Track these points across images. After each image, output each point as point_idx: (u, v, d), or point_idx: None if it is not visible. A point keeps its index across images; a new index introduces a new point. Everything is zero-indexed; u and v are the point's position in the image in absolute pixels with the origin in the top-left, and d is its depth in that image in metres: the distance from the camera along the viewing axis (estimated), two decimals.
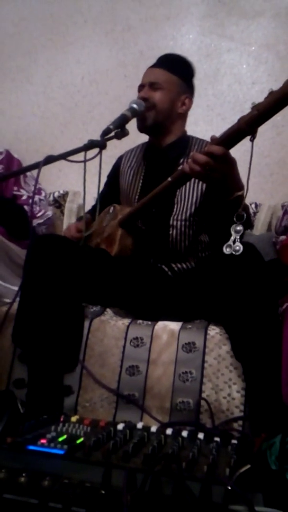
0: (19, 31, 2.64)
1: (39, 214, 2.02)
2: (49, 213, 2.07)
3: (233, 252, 1.10)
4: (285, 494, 0.80)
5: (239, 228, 1.11)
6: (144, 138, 1.72)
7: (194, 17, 2.42)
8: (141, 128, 1.61)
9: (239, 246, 1.10)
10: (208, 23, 2.40)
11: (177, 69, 1.64)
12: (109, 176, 1.80)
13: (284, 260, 1.65)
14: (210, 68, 2.40)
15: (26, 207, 1.93)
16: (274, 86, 1.07)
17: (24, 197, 1.98)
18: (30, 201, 1.95)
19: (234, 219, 1.13)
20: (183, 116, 1.68)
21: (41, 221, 2.01)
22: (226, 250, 1.11)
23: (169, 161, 1.62)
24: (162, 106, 1.59)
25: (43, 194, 2.11)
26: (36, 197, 2.03)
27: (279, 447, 0.90)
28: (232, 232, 1.11)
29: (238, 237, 1.11)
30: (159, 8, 2.45)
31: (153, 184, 1.45)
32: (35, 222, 1.98)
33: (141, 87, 1.62)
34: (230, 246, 1.11)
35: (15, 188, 1.99)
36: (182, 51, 2.35)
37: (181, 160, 1.61)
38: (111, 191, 1.76)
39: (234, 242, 1.10)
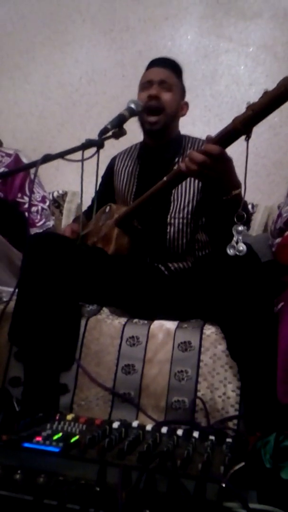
0: (18, 29, 2.64)
1: (39, 224, 1.96)
2: (50, 223, 2.01)
3: (237, 253, 1.10)
4: (279, 491, 0.81)
5: (241, 228, 1.11)
6: (141, 138, 1.72)
7: (193, 18, 2.43)
8: (148, 132, 1.61)
9: (242, 247, 1.10)
10: (206, 23, 2.41)
11: (179, 74, 1.67)
12: (103, 177, 1.79)
13: (281, 259, 1.65)
14: (208, 68, 2.40)
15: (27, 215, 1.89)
16: (272, 87, 1.07)
17: (27, 205, 1.93)
18: (34, 208, 1.92)
19: (235, 219, 1.12)
20: (179, 120, 1.70)
21: (40, 231, 1.95)
22: (230, 252, 1.10)
23: (164, 161, 1.63)
24: (171, 109, 1.59)
25: (47, 203, 2.05)
26: (39, 206, 1.99)
27: (273, 445, 0.90)
28: (234, 233, 1.11)
29: (240, 237, 1.11)
30: (158, 8, 2.46)
31: (148, 183, 1.45)
32: (34, 231, 1.92)
33: (149, 84, 1.59)
34: (233, 247, 1.10)
35: (19, 195, 1.95)
36: (180, 51, 2.38)
37: (176, 160, 1.62)
38: (106, 191, 1.76)
39: (237, 242, 1.10)
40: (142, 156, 1.70)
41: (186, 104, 1.69)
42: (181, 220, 1.56)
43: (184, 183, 1.53)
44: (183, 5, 2.43)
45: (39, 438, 0.89)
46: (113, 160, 1.79)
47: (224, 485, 0.73)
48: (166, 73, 1.61)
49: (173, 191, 1.55)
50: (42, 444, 0.87)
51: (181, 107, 1.66)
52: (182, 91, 1.67)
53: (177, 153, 1.63)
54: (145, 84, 1.61)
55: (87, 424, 1.02)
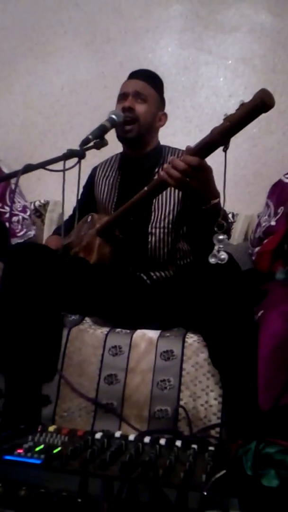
0: None
1: (20, 233, 1.95)
2: (31, 232, 2.00)
3: (219, 261, 1.11)
4: (260, 499, 0.81)
5: (221, 237, 1.12)
6: (122, 148, 1.74)
7: (173, 31, 2.46)
8: (123, 140, 1.63)
9: (224, 255, 1.11)
10: (186, 36, 2.45)
11: (157, 86, 1.69)
12: (85, 187, 1.80)
13: (260, 267, 1.68)
14: (188, 80, 2.44)
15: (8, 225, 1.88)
16: (250, 98, 1.10)
17: (8, 215, 1.92)
18: (15, 218, 1.91)
19: (215, 228, 1.14)
20: (158, 130, 1.72)
21: (21, 241, 1.93)
22: (212, 260, 1.11)
23: (144, 171, 1.64)
24: (145, 119, 1.61)
25: (28, 212, 2.04)
26: (20, 215, 1.98)
27: (254, 452, 0.91)
28: (215, 242, 1.12)
29: (221, 246, 1.12)
30: (139, 21, 2.49)
31: (129, 193, 1.46)
32: (15, 241, 1.91)
33: (124, 96, 1.63)
34: (215, 256, 1.12)
35: (0, 205, 1.94)
36: (161, 63, 2.41)
37: (156, 170, 1.64)
38: (87, 201, 1.77)
39: (218, 251, 1.11)
40: (122, 166, 1.72)
41: (165, 115, 1.71)
42: (162, 230, 1.57)
43: (164, 193, 1.55)
44: (163, 18, 2.47)
45: (20, 450, 0.89)
46: (94, 170, 1.79)
47: (205, 493, 0.73)
48: (141, 84, 1.63)
49: (154, 201, 1.57)
50: (23, 456, 0.86)
51: (159, 118, 1.68)
52: (159, 102, 1.68)
53: (157, 163, 1.65)
54: (120, 96, 1.64)
55: (70, 436, 1.02)
